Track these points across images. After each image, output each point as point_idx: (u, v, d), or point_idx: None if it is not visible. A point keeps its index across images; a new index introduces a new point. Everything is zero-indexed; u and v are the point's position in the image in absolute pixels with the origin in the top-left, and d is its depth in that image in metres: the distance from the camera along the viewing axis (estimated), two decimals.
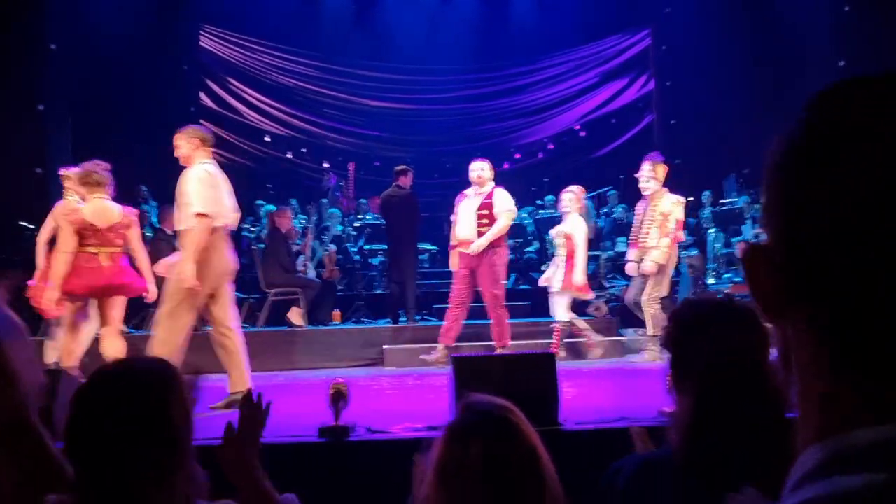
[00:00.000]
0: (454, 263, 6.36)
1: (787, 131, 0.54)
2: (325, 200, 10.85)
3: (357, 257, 8.73)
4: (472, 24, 12.45)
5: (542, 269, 10.09)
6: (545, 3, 12.58)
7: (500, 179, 12.01)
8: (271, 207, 9.64)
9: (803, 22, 9.33)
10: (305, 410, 4.20)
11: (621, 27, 12.57)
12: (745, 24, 10.15)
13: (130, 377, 1.37)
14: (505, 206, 6.17)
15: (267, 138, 12.28)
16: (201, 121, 11.85)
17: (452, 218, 6.51)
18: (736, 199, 9.92)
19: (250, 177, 11.51)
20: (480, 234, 6.02)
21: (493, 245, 6.04)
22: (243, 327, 7.46)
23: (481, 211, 6.11)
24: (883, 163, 0.48)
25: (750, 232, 8.68)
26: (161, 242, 7.04)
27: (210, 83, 12.03)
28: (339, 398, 3.16)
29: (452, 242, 6.42)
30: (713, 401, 1.35)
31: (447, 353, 5.82)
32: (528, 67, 12.78)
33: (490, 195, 6.19)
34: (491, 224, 6.04)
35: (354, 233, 9.83)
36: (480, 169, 6.25)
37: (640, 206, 6.64)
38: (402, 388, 5.35)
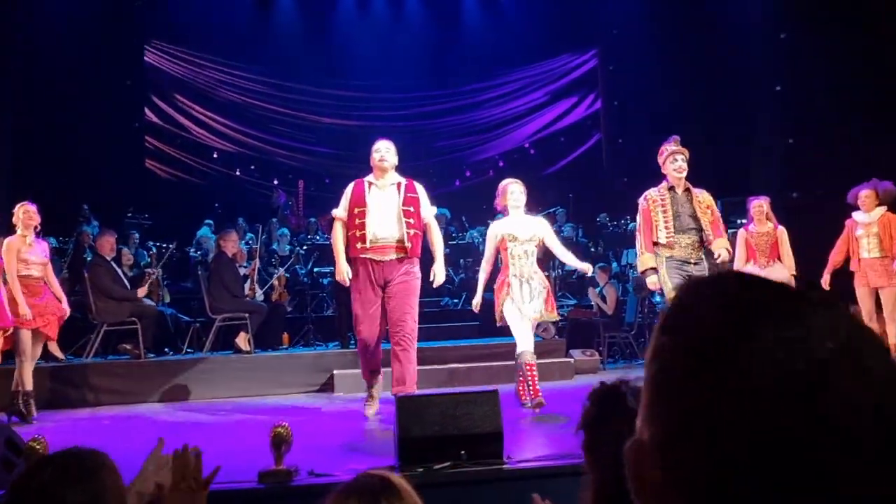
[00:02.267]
0: None
1: (674, 337, 0.55)
2: (274, 219, 10.72)
3: (306, 279, 8.63)
4: (423, 42, 12.50)
5: (494, 287, 10.18)
6: (495, 22, 12.72)
7: (451, 197, 12.17)
8: (206, 232, 9.49)
9: (743, 47, 9.62)
10: (248, 446, 4.13)
11: (569, 47, 12.78)
12: (688, 47, 10.41)
13: (66, 467, 1.37)
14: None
15: (214, 155, 12.08)
16: (146, 137, 11.66)
17: None
18: None
19: (197, 194, 11.33)
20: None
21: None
22: (188, 353, 7.37)
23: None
24: (761, 371, 0.50)
25: None
26: (99, 268, 6.85)
27: (156, 99, 11.80)
28: (280, 443, 3.11)
29: None
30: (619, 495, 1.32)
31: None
32: (478, 85, 12.89)
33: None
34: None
35: (304, 253, 9.72)
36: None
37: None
38: (351, 417, 5.28)
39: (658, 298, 9.33)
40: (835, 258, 6.53)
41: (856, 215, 6.51)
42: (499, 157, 13.02)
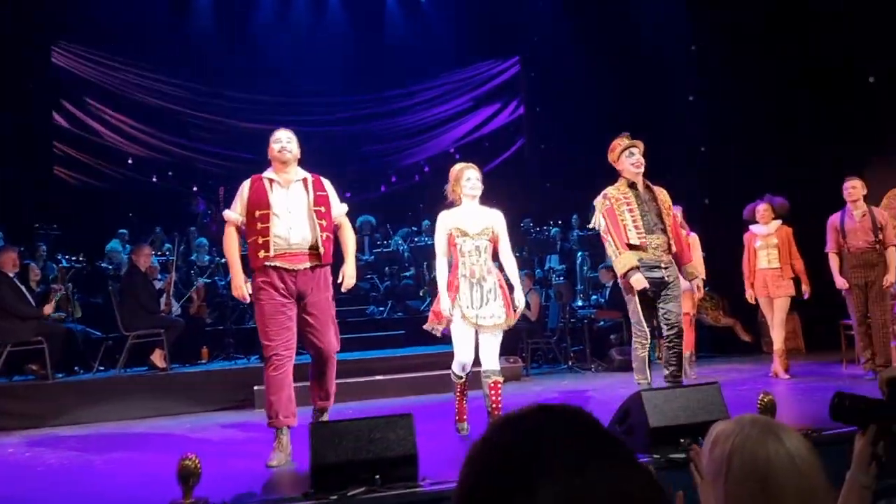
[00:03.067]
0: None
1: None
2: (193, 228, 10.42)
3: (225, 291, 8.41)
4: (345, 46, 12.38)
5: (420, 294, 10.17)
6: (419, 28, 12.73)
7: (376, 203, 12.11)
8: (115, 245, 9.15)
9: (658, 57, 9.91)
10: (160, 472, 3.98)
11: (492, 53, 12.91)
12: (607, 56, 10.66)
13: None
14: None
15: (129, 161, 11.64)
16: (55, 143, 11.14)
17: None
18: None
19: (110, 203, 10.88)
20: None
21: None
22: (100, 371, 7.07)
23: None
24: None
25: None
26: (1, 285, 6.50)
27: (65, 103, 11.29)
28: (188, 476, 3.01)
29: None
30: None
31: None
32: (402, 91, 12.86)
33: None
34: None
35: (224, 261, 9.49)
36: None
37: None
38: (271, 435, 5.16)
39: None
40: (747, 272, 6.82)
41: (754, 228, 6.83)
42: (424, 162, 13.03)
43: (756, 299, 6.79)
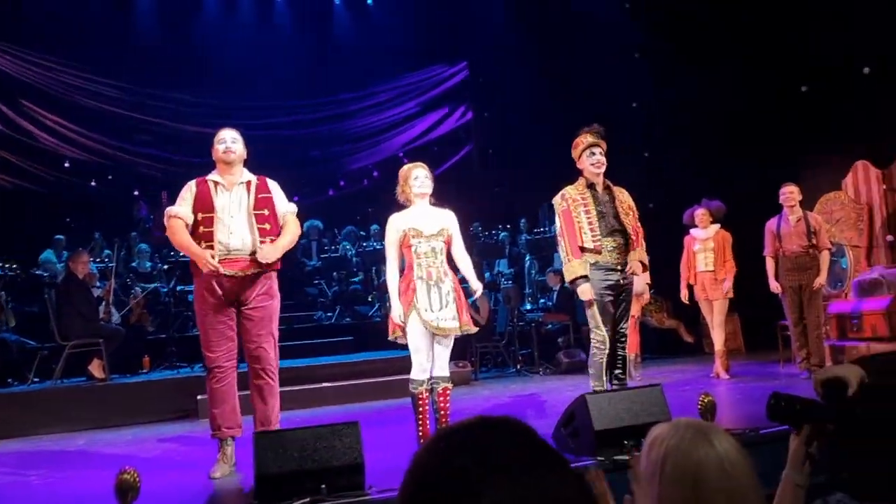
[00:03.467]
0: None
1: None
2: (134, 233, 10.15)
3: (169, 298, 8.21)
4: (292, 50, 12.24)
5: (369, 299, 10.11)
6: (367, 32, 12.68)
7: (324, 207, 11.98)
8: (49, 256, 8.85)
9: (603, 64, 10.08)
10: (98, 487, 3.85)
11: (441, 59, 12.94)
12: (554, 63, 10.80)
13: None
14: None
15: (66, 164, 11.27)
16: None
17: None
18: (549, 228, 10.50)
19: (46, 207, 10.52)
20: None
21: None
22: (35, 383, 6.82)
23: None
24: None
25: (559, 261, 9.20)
26: None
27: None
28: (126, 490, 2.92)
29: None
30: None
31: None
32: (351, 95, 12.78)
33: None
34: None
35: (166, 267, 9.27)
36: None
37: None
38: (214, 446, 5.05)
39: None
40: (685, 273, 7.01)
41: (693, 232, 7.02)
42: (373, 166, 12.97)
43: (692, 300, 6.97)
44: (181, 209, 4.14)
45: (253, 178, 4.26)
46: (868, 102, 7.99)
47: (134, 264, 9.26)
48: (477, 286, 4.46)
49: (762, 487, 1.33)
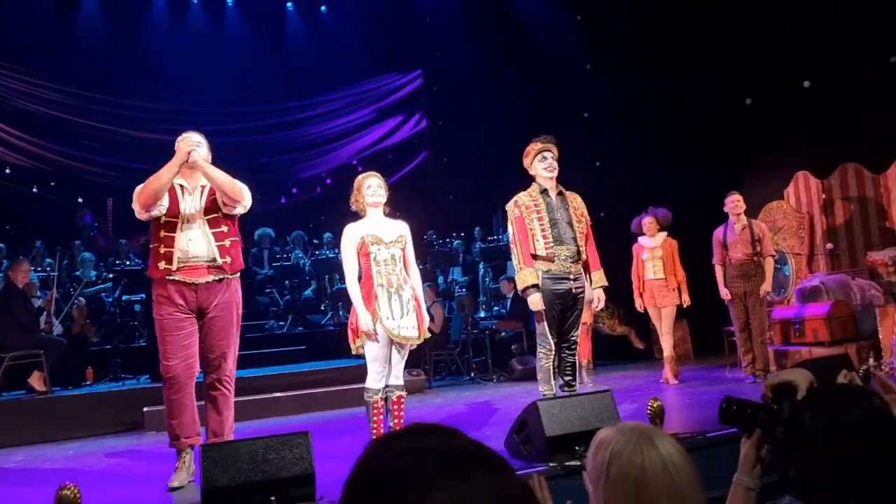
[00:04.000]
0: None
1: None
2: (77, 242, 9.86)
3: (113, 309, 8.00)
4: (244, 55, 12.07)
5: (322, 308, 10.01)
6: (320, 39, 12.59)
7: (276, 215, 11.82)
8: None
9: (555, 75, 10.23)
10: None
11: (395, 66, 12.93)
12: (507, 73, 10.90)
13: None
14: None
15: (7, 170, 10.89)
16: None
17: None
18: (503, 236, 10.58)
19: None
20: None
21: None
22: None
23: None
24: None
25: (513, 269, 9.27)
26: None
27: None
28: None
29: None
30: None
31: None
32: (304, 102, 12.67)
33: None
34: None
35: (111, 276, 9.03)
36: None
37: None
38: (161, 459, 4.91)
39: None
40: (636, 281, 7.11)
41: (642, 240, 7.15)
42: (326, 174, 12.86)
43: (645, 308, 7.09)
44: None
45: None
46: (808, 115, 8.27)
47: (77, 273, 8.98)
48: (425, 313, 4.41)
49: (705, 491, 1.35)
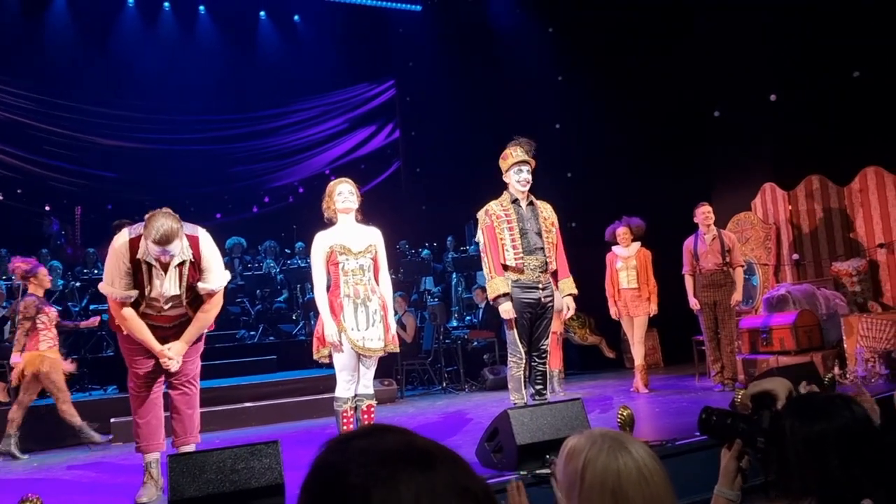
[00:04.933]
0: None
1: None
2: (44, 250, 9.69)
3: (80, 318, 7.85)
4: (216, 63, 11.99)
5: (294, 318, 9.94)
6: (293, 48, 12.57)
7: (248, 224, 11.73)
8: None
9: (527, 86, 10.31)
10: None
11: (368, 76, 12.94)
12: (479, 83, 10.96)
13: None
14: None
15: None
16: None
17: None
18: (474, 245, 10.60)
19: None
20: None
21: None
22: None
23: None
24: None
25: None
26: None
27: None
28: None
29: None
30: None
31: None
32: (277, 111, 12.62)
33: None
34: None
35: (78, 285, 8.88)
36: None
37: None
38: (128, 471, 4.83)
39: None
40: (610, 290, 7.17)
41: (616, 249, 7.21)
42: (298, 183, 12.80)
43: (619, 317, 7.14)
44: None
45: (189, 254, 3.83)
46: (775, 127, 8.43)
47: None
48: (392, 324, 4.38)
49: (676, 496, 1.36)
